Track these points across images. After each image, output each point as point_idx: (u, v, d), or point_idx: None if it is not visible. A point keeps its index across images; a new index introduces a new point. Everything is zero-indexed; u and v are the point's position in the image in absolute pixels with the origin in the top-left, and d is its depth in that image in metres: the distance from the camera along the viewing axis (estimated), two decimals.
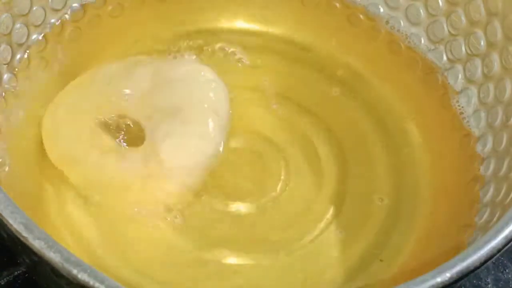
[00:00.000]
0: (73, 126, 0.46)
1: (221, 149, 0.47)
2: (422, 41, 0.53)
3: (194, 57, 0.51)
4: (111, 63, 0.49)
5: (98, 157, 0.45)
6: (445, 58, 0.52)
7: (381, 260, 0.45)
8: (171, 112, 0.46)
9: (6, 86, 0.47)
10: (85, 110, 0.47)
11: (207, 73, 0.49)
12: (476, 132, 0.49)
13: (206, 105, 0.47)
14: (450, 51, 0.51)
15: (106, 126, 0.47)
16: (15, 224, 0.33)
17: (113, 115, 0.47)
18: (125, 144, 0.47)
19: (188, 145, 0.46)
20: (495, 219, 0.41)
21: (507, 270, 0.50)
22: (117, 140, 0.47)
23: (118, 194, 0.45)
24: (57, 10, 0.50)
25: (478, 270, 0.35)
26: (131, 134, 0.47)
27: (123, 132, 0.47)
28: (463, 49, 0.50)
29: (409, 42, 0.53)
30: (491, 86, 0.48)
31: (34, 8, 0.48)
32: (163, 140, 0.45)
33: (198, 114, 0.47)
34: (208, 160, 0.46)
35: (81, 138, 0.46)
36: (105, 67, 0.49)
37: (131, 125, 0.47)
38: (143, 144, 0.46)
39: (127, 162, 0.45)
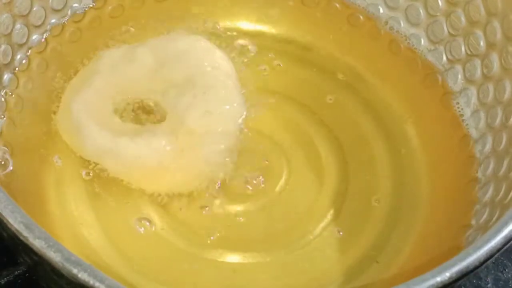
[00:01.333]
0: (94, 121, 0.46)
1: (244, 112, 0.48)
2: (422, 42, 0.53)
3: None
4: (107, 52, 0.49)
5: (130, 142, 0.45)
6: (444, 58, 0.52)
7: (377, 262, 0.45)
8: (185, 83, 0.47)
9: (6, 86, 0.47)
10: (101, 103, 0.47)
11: (205, 42, 0.50)
12: (475, 132, 0.49)
13: (217, 71, 0.48)
14: (450, 51, 0.51)
15: (125, 113, 0.47)
16: (15, 224, 0.33)
17: (128, 100, 0.48)
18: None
19: (215, 111, 0.46)
20: (494, 218, 0.41)
21: (506, 270, 0.50)
22: (140, 122, 0.47)
23: (157, 176, 0.45)
24: (57, 11, 0.50)
25: (478, 270, 0.35)
26: (151, 114, 0.48)
27: (143, 114, 0.48)
28: (463, 49, 0.50)
29: (408, 42, 0.53)
30: (491, 87, 0.48)
31: (35, 9, 0.48)
32: (188, 111, 0.46)
33: (213, 81, 0.47)
34: (235, 124, 0.47)
35: (107, 130, 0.46)
36: (103, 57, 0.49)
37: (148, 105, 0.48)
38: (167, 119, 0.46)
39: (158, 139, 0.45)
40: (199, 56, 0.48)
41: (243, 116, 0.48)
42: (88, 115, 0.46)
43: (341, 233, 0.46)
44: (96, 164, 0.46)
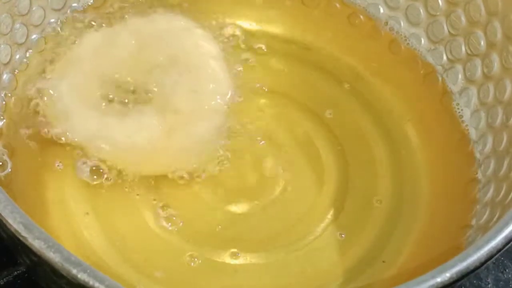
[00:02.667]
0: (82, 104, 0.46)
1: (230, 90, 0.48)
2: (422, 41, 0.53)
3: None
4: (86, 35, 0.49)
5: (119, 122, 0.45)
6: (445, 58, 0.52)
7: (383, 262, 0.45)
8: (168, 63, 0.48)
9: (6, 87, 0.47)
10: (87, 86, 0.47)
11: (185, 22, 0.50)
12: (475, 132, 0.49)
13: (200, 50, 0.48)
14: (450, 51, 0.51)
15: (112, 95, 0.47)
16: (15, 224, 0.33)
17: (114, 83, 0.48)
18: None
19: (200, 90, 0.47)
20: (495, 219, 0.41)
21: (507, 270, 0.50)
22: (127, 103, 0.47)
23: (148, 157, 0.45)
24: (56, 10, 0.50)
25: (478, 270, 0.35)
26: (138, 95, 0.48)
27: (129, 96, 0.48)
28: (463, 49, 0.50)
29: (409, 42, 0.53)
30: (491, 86, 0.48)
31: (34, 8, 0.48)
32: (174, 90, 0.46)
33: (197, 60, 0.48)
34: (222, 102, 0.47)
35: (95, 112, 0.46)
36: (83, 41, 0.49)
37: (134, 86, 0.48)
38: (153, 99, 0.47)
39: (147, 118, 0.46)
40: (180, 36, 0.49)
41: (229, 95, 0.48)
42: (75, 98, 0.46)
43: (341, 233, 0.46)
44: (96, 163, 0.46)
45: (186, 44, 0.49)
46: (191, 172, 0.46)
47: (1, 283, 0.41)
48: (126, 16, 0.51)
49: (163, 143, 0.46)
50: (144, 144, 0.45)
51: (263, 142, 0.49)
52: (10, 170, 0.44)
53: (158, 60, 0.48)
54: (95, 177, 0.45)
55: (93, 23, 0.50)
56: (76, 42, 0.49)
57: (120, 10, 0.51)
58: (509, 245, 0.36)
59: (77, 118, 0.46)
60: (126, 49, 0.48)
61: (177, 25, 0.50)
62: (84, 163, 0.45)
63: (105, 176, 0.45)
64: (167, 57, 0.48)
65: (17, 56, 0.48)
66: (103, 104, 0.47)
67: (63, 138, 0.46)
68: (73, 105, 0.46)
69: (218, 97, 0.47)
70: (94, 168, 0.45)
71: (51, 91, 0.47)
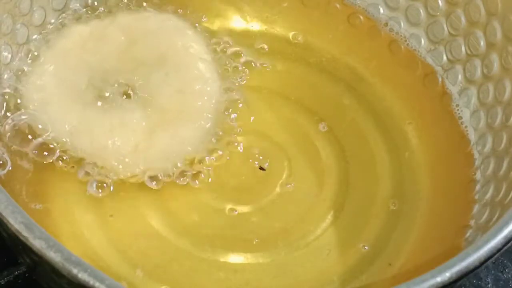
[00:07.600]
0: (65, 96, 0.46)
1: (220, 91, 0.48)
2: (422, 42, 0.53)
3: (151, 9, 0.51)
4: (74, 27, 0.49)
5: (101, 115, 0.45)
6: (445, 58, 0.52)
7: (390, 264, 0.45)
8: (156, 62, 0.47)
9: (6, 86, 0.47)
10: (72, 79, 0.47)
11: (175, 21, 0.50)
12: (475, 132, 0.49)
13: (189, 51, 0.48)
14: (450, 51, 0.51)
15: (97, 90, 0.47)
16: (16, 224, 0.33)
17: (100, 78, 0.47)
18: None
19: (187, 90, 0.47)
20: (494, 218, 0.41)
21: (507, 270, 0.50)
22: (111, 99, 0.47)
23: (130, 154, 0.45)
24: (57, 11, 0.50)
25: (478, 270, 0.35)
26: (123, 92, 0.48)
27: (114, 92, 0.47)
28: (463, 49, 0.50)
29: (409, 42, 0.53)
30: (491, 86, 0.48)
31: (35, 9, 0.48)
32: (160, 89, 0.46)
33: (186, 60, 0.48)
34: (209, 103, 0.47)
35: (78, 104, 0.46)
36: (72, 33, 0.49)
37: (120, 83, 0.48)
38: (139, 97, 0.47)
39: (130, 114, 0.46)
40: (170, 35, 0.49)
41: (219, 96, 0.48)
42: (59, 89, 0.46)
43: (342, 233, 0.46)
44: (96, 165, 0.46)
45: (175, 44, 0.48)
46: (180, 173, 0.46)
47: (2, 283, 0.40)
48: (116, 11, 0.51)
49: (146, 142, 0.45)
50: (126, 141, 0.45)
51: (263, 142, 0.49)
52: (10, 168, 0.44)
53: (146, 58, 0.48)
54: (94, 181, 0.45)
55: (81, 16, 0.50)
56: (64, 32, 0.49)
57: (112, 5, 0.51)
58: (508, 245, 0.36)
59: (59, 107, 0.45)
60: (115, 45, 0.48)
61: (168, 24, 0.49)
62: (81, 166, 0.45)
63: (104, 177, 0.45)
64: (156, 56, 0.48)
65: (18, 56, 0.48)
66: (87, 98, 0.47)
67: (41, 130, 0.45)
68: (57, 95, 0.46)
69: (205, 97, 0.47)
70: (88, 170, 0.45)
71: (35, 80, 0.47)
